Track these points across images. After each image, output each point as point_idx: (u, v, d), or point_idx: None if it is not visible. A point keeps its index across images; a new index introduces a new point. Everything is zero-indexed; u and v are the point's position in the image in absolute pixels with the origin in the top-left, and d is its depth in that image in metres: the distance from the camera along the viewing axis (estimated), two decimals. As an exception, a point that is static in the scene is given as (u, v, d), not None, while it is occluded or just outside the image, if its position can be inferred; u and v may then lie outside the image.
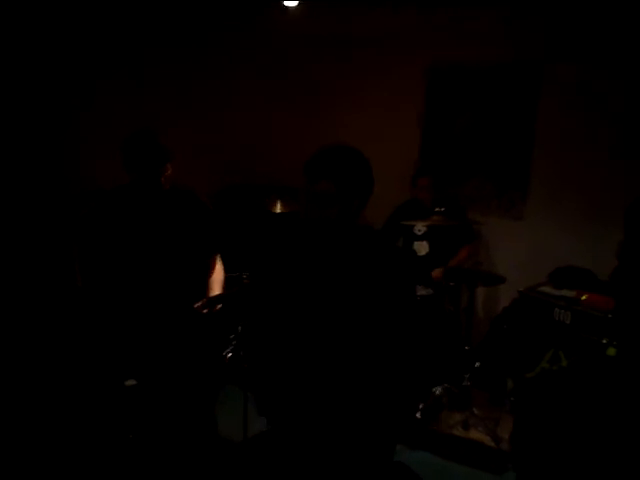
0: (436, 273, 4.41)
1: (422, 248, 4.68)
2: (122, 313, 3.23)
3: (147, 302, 3.18)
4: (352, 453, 2.22)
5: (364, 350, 2.17)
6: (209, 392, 3.50)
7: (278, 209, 4.69)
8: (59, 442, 3.40)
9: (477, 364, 4.08)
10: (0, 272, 3.88)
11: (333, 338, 2.16)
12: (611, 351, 3.57)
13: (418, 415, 3.85)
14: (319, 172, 2.10)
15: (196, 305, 3.19)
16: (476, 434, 3.77)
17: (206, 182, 4.85)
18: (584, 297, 3.84)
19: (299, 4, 4.55)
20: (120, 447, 3.29)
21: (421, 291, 4.21)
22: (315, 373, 2.22)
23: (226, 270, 3.56)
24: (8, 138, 4.07)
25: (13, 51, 4.06)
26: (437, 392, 4.02)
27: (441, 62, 5.11)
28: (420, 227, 4.63)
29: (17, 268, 3.99)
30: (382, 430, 2.29)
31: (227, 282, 3.68)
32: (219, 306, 3.29)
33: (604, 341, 3.58)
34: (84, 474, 3.23)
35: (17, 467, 3.20)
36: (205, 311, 3.22)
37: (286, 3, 4.51)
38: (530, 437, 2.91)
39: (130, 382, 3.48)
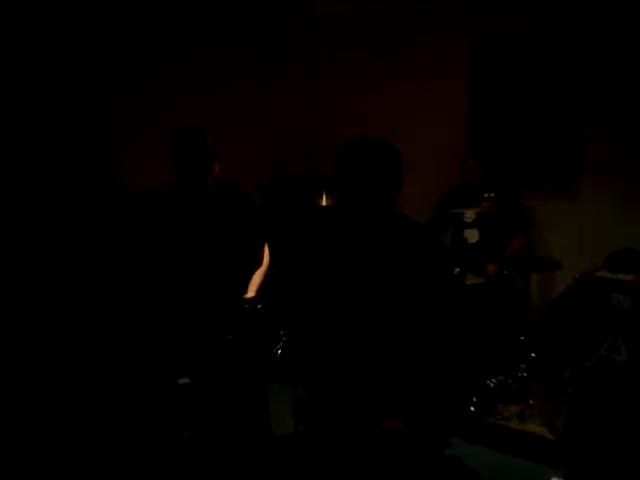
0: (491, 269, 4.29)
1: (472, 236, 4.56)
2: (174, 310, 3.28)
3: (199, 298, 3.23)
4: (404, 446, 2.19)
5: (408, 341, 2.16)
6: (261, 389, 3.52)
7: (324, 201, 4.67)
8: (113, 437, 3.48)
9: (533, 354, 3.97)
10: (49, 270, 3.97)
11: (378, 329, 2.16)
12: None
13: (472, 408, 3.78)
14: (355, 163, 2.13)
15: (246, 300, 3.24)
16: (533, 426, 3.66)
17: (252, 177, 4.85)
18: (643, 280, 3.70)
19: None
20: (175, 445, 3.34)
21: (472, 280, 4.12)
22: (360, 365, 2.21)
23: (273, 266, 3.58)
24: (53, 138, 4.15)
25: (55, 52, 4.13)
26: (492, 384, 3.93)
27: (487, 37, 4.94)
28: (469, 214, 4.50)
29: (66, 267, 4.08)
30: (435, 422, 2.26)
31: (274, 278, 3.70)
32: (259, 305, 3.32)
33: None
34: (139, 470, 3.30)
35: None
36: (247, 306, 3.26)
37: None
38: (585, 431, 2.81)
39: (184, 380, 3.54)
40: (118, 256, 4.22)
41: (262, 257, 3.52)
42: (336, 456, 2.27)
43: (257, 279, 3.46)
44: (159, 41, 4.67)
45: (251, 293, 3.40)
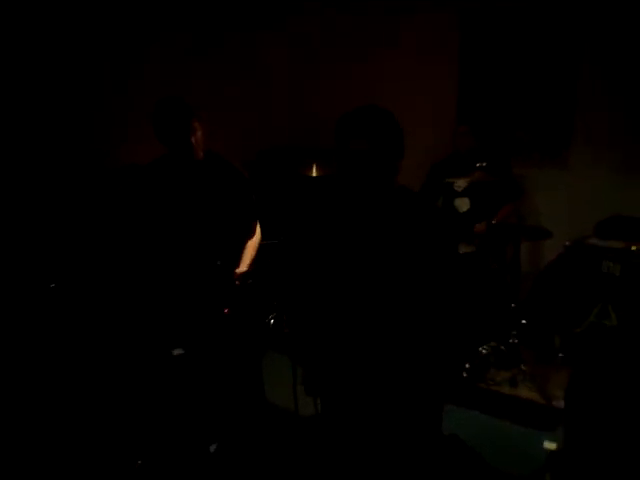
0: (479, 227, 4.32)
1: (463, 204, 4.57)
2: (167, 283, 3.28)
3: (190, 271, 3.22)
4: (402, 417, 2.23)
5: (408, 311, 2.15)
6: (255, 358, 3.54)
7: (314, 172, 4.66)
8: (103, 409, 3.48)
9: (524, 321, 4.01)
10: (33, 251, 3.95)
11: (376, 300, 2.16)
12: (663, 302, 3.48)
13: (465, 374, 3.83)
14: (354, 130, 2.08)
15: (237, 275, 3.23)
16: (525, 391, 3.73)
17: (240, 147, 4.82)
18: (634, 247, 3.73)
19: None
20: (169, 417, 3.36)
21: (463, 248, 4.14)
22: (358, 334, 2.21)
23: (264, 236, 3.57)
24: (37, 118, 4.11)
25: (40, 33, 4.07)
26: (484, 351, 3.98)
27: (477, 7, 4.91)
28: (460, 183, 4.51)
29: (51, 243, 4.05)
30: (430, 391, 2.29)
31: (267, 249, 3.70)
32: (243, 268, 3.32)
33: (656, 292, 3.50)
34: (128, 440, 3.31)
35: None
36: (237, 282, 3.26)
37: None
38: (584, 393, 2.85)
39: (178, 351, 3.54)
40: (110, 229, 4.19)
41: (254, 230, 3.51)
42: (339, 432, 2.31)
43: (249, 253, 3.45)
44: (144, 20, 4.62)
45: (243, 267, 3.39)
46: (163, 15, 4.70)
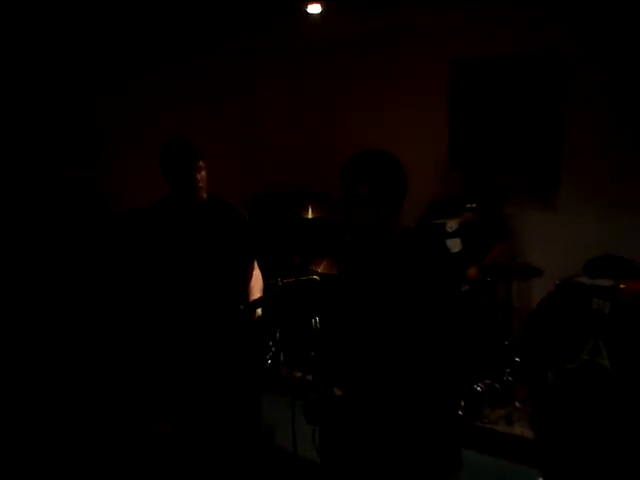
0: (472, 272, 4.41)
1: (455, 245, 4.67)
2: (166, 325, 3.32)
3: (191, 313, 3.27)
4: (402, 447, 2.28)
5: (407, 349, 2.23)
6: (256, 399, 3.57)
7: (309, 215, 4.76)
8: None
9: (517, 358, 4.07)
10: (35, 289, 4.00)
11: (379, 336, 2.25)
12: (653, 339, 3.54)
13: (460, 412, 3.86)
14: (355, 176, 2.19)
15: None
16: (520, 429, 3.77)
17: (239, 192, 4.92)
18: (622, 285, 3.81)
19: (320, 12, 4.57)
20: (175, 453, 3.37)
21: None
22: (364, 364, 2.31)
23: (263, 277, 3.65)
24: (43, 163, 4.20)
25: (43, 72, 4.19)
26: (478, 389, 4.02)
27: (465, 54, 5.09)
28: (452, 224, 4.62)
29: (56, 287, 4.10)
30: (425, 426, 2.34)
31: (266, 288, 3.76)
32: (259, 312, 3.37)
33: (645, 329, 3.56)
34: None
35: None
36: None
37: (309, 9, 4.53)
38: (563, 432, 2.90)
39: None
40: (112, 271, 4.25)
41: (252, 271, 3.57)
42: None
43: (255, 292, 3.50)
44: (143, 58, 4.75)
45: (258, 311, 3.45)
46: (157, 55, 4.85)
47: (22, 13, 3.93)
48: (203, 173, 3.23)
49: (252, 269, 3.54)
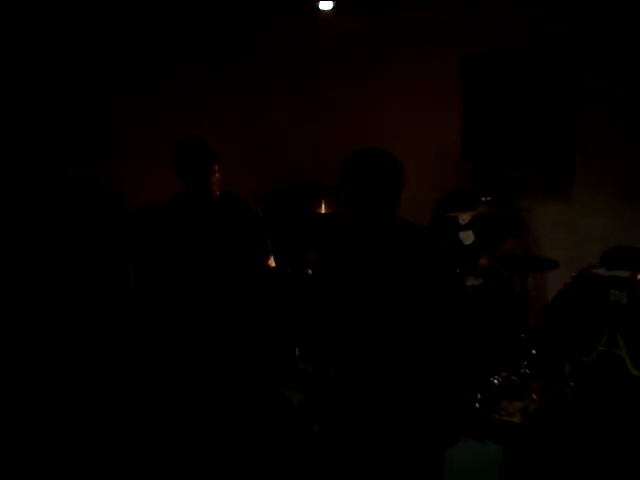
0: (482, 261, 4.39)
1: (467, 237, 4.65)
2: (181, 322, 3.35)
3: (207, 307, 3.31)
4: (408, 445, 2.29)
5: (414, 342, 2.26)
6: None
7: (322, 209, 4.77)
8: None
9: (534, 351, 4.06)
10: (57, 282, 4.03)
11: (387, 329, 2.26)
12: (671, 330, 3.53)
13: (477, 405, 3.86)
14: (369, 183, 2.24)
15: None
16: (537, 421, 3.75)
17: (253, 189, 4.95)
18: (639, 277, 3.80)
19: (333, 6, 4.55)
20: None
21: (471, 281, 4.21)
22: (370, 366, 2.30)
23: (279, 267, 3.69)
24: (57, 161, 4.24)
25: (56, 73, 4.23)
26: (495, 381, 4.01)
27: (478, 49, 5.08)
28: (464, 217, 4.60)
29: (77, 281, 4.14)
30: (442, 419, 2.34)
31: (288, 278, 3.80)
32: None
33: (663, 320, 3.55)
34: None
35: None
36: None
37: (321, 5, 4.52)
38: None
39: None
40: (126, 271, 4.28)
41: (269, 264, 3.60)
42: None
43: None
44: (157, 58, 4.78)
45: None
46: (173, 57, 4.87)
47: (37, 15, 3.96)
48: (217, 175, 3.29)
49: (269, 263, 3.57)
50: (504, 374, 4.05)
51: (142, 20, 4.45)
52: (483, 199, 4.27)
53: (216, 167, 3.29)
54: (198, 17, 4.70)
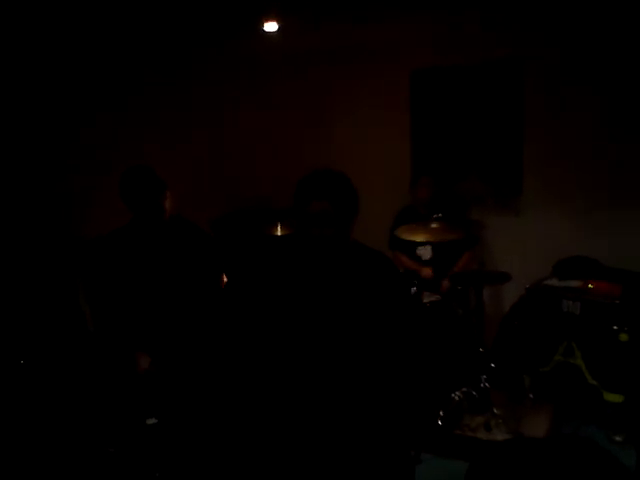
0: (444, 284, 4.47)
1: (426, 253, 4.70)
2: (139, 348, 3.28)
3: (161, 334, 3.24)
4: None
5: (366, 363, 2.22)
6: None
7: (278, 232, 4.73)
8: None
9: (492, 364, 4.09)
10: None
11: (335, 354, 2.21)
12: (623, 337, 3.60)
13: (439, 422, 3.86)
14: (315, 193, 2.19)
15: None
16: (499, 435, 3.77)
17: (205, 211, 4.90)
18: (591, 286, 3.88)
19: (279, 28, 4.55)
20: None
21: (429, 297, 4.23)
22: (318, 389, 2.24)
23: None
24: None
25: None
26: (456, 397, 4.02)
27: (424, 66, 5.16)
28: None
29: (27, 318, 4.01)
30: (399, 440, 2.32)
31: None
32: None
33: (615, 327, 3.62)
34: None
35: None
36: None
37: (266, 27, 4.51)
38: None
39: (151, 421, 3.50)
40: (72, 302, 4.17)
41: (222, 283, 3.57)
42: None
43: None
44: (106, 81, 4.70)
45: None
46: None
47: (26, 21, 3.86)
48: (167, 201, 3.24)
49: (221, 283, 3.53)
50: (464, 389, 4.05)
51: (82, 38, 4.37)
52: (435, 216, 4.30)
53: (166, 194, 3.24)
54: (146, 35, 4.65)
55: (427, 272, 4.53)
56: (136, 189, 3.16)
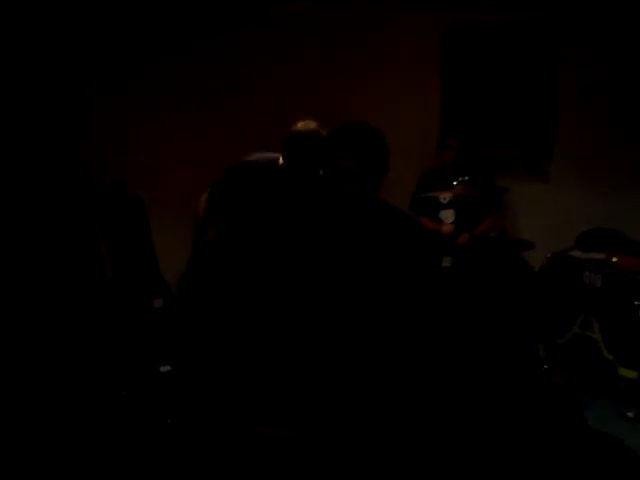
0: (462, 239, 4.39)
1: (448, 216, 4.63)
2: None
3: None
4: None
5: (380, 333, 2.12)
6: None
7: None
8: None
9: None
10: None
11: (355, 316, 2.12)
12: (644, 313, 3.53)
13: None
14: (342, 149, 2.09)
15: None
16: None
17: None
18: (614, 259, 3.80)
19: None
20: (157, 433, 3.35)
21: (447, 262, 4.19)
22: (324, 361, 2.15)
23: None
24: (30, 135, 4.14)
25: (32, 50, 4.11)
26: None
27: (457, 24, 4.99)
28: (445, 195, 4.57)
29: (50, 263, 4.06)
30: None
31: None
32: None
33: (636, 303, 3.55)
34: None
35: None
36: None
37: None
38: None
39: (165, 368, 3.54)
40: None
41: None
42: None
43: None
44: (137, 40, 4.66)
45: None
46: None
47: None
48: None
49: None
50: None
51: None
52: (460, 179, 4.23)
53: None
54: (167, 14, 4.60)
55: (448, 228, 4.46)
56: None
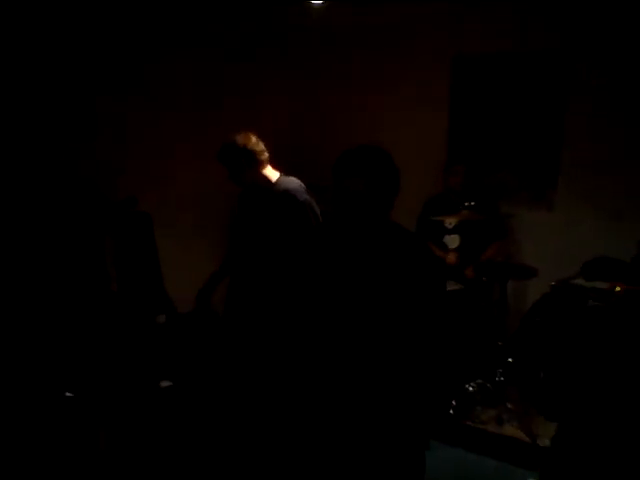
0: (468, 272, 4.42)
1: (453, 241, 4.66)
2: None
3: None
4: (380, 447, 2.22)
5: (391, 348, 2.17)
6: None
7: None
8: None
9: (510, 359, 4.05)
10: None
11: (361, 336, 2.17)
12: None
13: (451, 411, 3.85)
14: (349, 170, 2.11)
15: None
16: (510, 430, 3.75)
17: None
18: (618, 288, 3.79)
19: (324, 2, 4.48)
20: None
21: (452, 286, 4.20)
22: (344, 370, 2.21)
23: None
24: (37, 145, 4.16)
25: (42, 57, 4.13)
26: (470, 388, 4.01)
27: (468, 50, 5.05)
28: (451, 221, 4.60)
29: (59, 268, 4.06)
30: (411, 426, 2.30)
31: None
32: None
33: (639, 333, 3.54)
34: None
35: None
36: None
37: (313, 2, 4.44)
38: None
39: (165, 383, 3.55)
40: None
41: None
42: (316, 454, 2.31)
43: None
44: (145, 47, 4.68)
45: None
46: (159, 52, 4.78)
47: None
48: None
49: None
50: (479, 381, 4.04)
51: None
52: (467, 204, 4.25)
53: None
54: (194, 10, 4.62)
55: (452, 258, 4.51)
56: None
